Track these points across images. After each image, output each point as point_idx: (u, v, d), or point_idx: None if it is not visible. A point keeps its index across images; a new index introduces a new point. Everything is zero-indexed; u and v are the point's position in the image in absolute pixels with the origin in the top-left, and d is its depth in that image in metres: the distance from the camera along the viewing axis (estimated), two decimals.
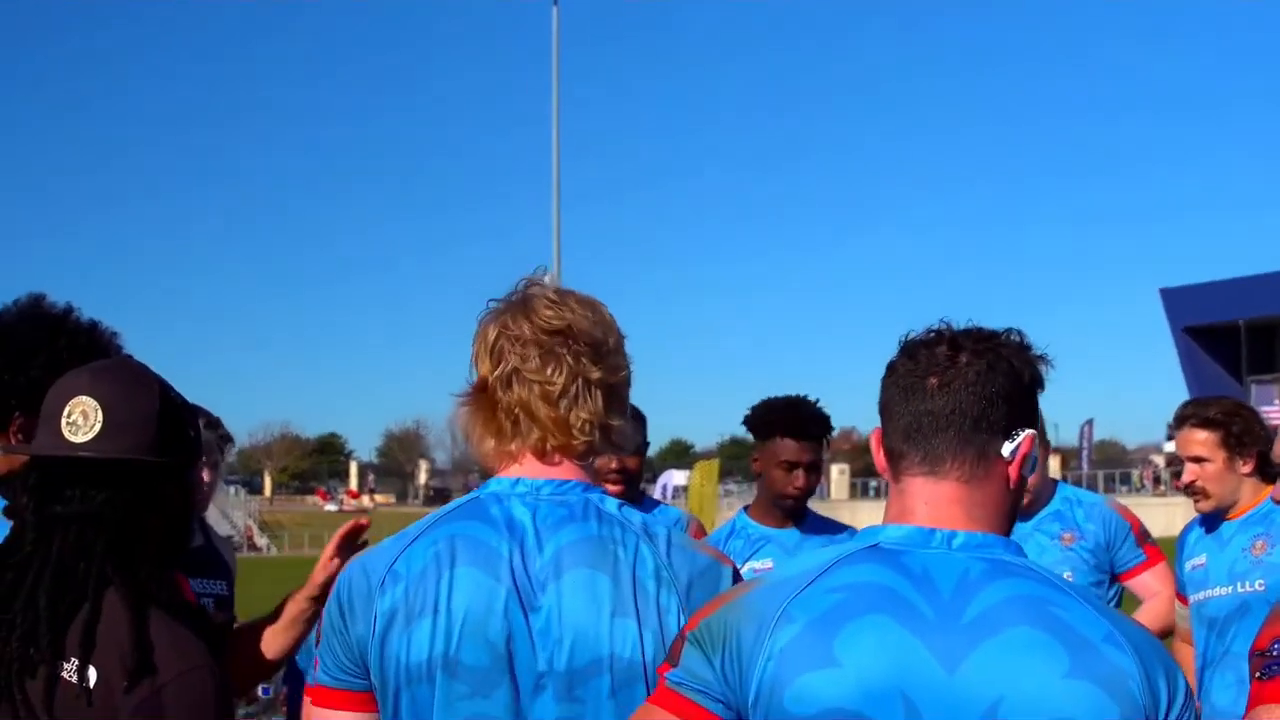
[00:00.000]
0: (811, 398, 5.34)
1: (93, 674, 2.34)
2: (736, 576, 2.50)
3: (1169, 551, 5.59)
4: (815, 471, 5.25)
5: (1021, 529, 5.38)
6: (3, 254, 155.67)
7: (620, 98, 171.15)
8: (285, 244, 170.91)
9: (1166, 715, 2.10)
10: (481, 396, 2.56)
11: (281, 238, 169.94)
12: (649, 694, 2.32)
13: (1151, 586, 5.61)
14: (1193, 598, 5.28)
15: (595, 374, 2.53)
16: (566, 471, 2.53)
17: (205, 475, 3.80)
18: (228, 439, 4.13)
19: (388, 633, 2.41)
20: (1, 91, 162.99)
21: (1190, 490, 5.20)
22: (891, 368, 2.32)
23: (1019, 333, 2.33)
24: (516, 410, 2.51)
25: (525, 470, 2.52)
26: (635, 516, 2.49)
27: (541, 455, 2.52)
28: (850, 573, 2.18)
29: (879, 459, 2.34)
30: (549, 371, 2.50)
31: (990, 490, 2.26)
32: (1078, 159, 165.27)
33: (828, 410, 5.34)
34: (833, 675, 2.08)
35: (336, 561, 3.00)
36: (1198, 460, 5.13)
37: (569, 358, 2.51)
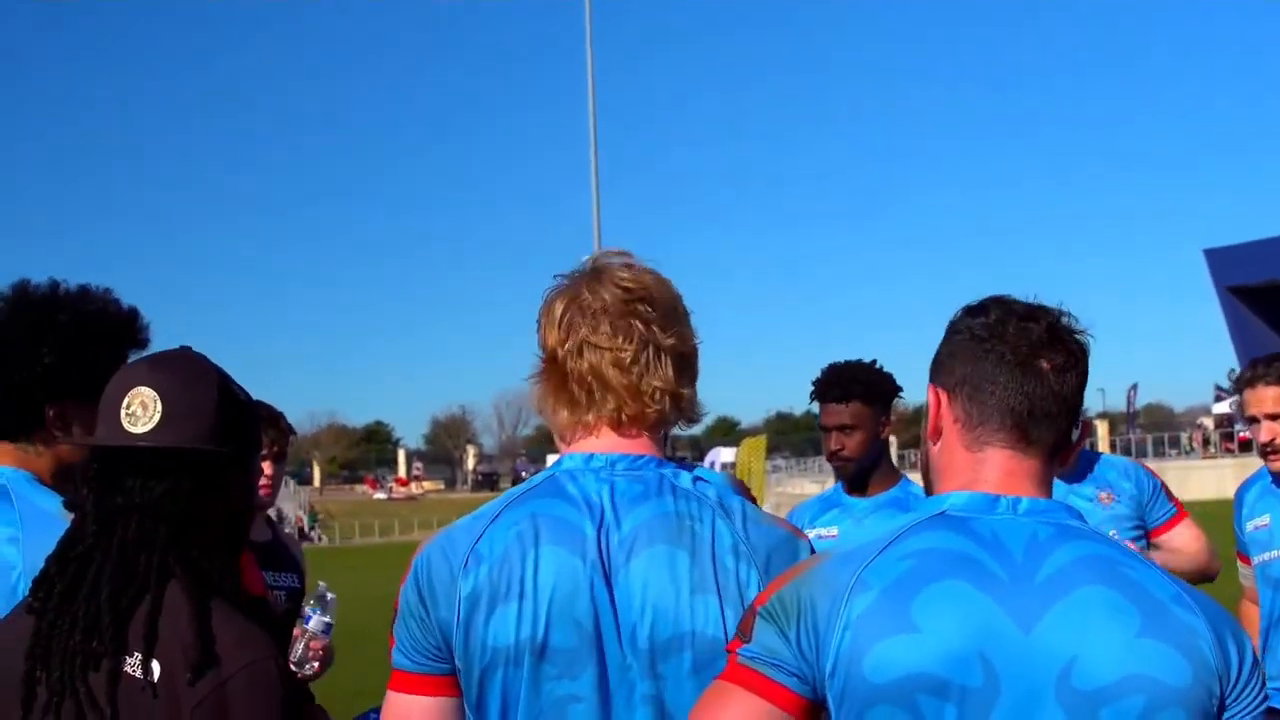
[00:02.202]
0: (866, 360, 5.34)
1: (156, 667, 2.32)
2: (812, 549, 2.48)
3: (1227, 514, 5.55)
4: (850, 432, 5.23)
5: (1057, 491, 5.31)
6: (52, 243, 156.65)
7: (657, 70, 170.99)
8: (328, 233, 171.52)
9: (1236, 679, 2.12)
10: (552, 368, 2.53)
11: (325, 226, 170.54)
12: None
13: (1186, 535, 5.58)
14: (1257, 558, 5.22)
15: (667, 341, 2.51)
16: (640, 445, 2.51)
17: (268, 469, 3.78)
18: (289, 432, 4.13)
19: (472, 616, 2.39)
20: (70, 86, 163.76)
21: (1269, 449, 5.11)
22: (977, 336, 2.30)
23: (1071, 315, 2.35)
24: (589, 379, 2.49)
25: (599, 444, 2.50)
26: (710, 490, 2.47)
27: (617, 426, 2.50)
28: (921, 539, 2.19)
29: (940, 420, 2.34)
30: (620, 339, 2.48)
31: (1054, 468, 2.32)
32: (1119, 119, 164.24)
33: (887, 373, 5.31)
34: (912, 640, 2.09)
35: None
36: (1275, 416, 5.06)
37: (640, 325, 2.49)
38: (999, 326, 2.29)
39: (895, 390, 5.34)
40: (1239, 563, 5.42)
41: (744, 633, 2.21)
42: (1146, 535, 5.55)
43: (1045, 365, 2.26)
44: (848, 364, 5.32)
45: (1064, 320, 2.32)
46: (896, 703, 2.08)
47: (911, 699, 2.07)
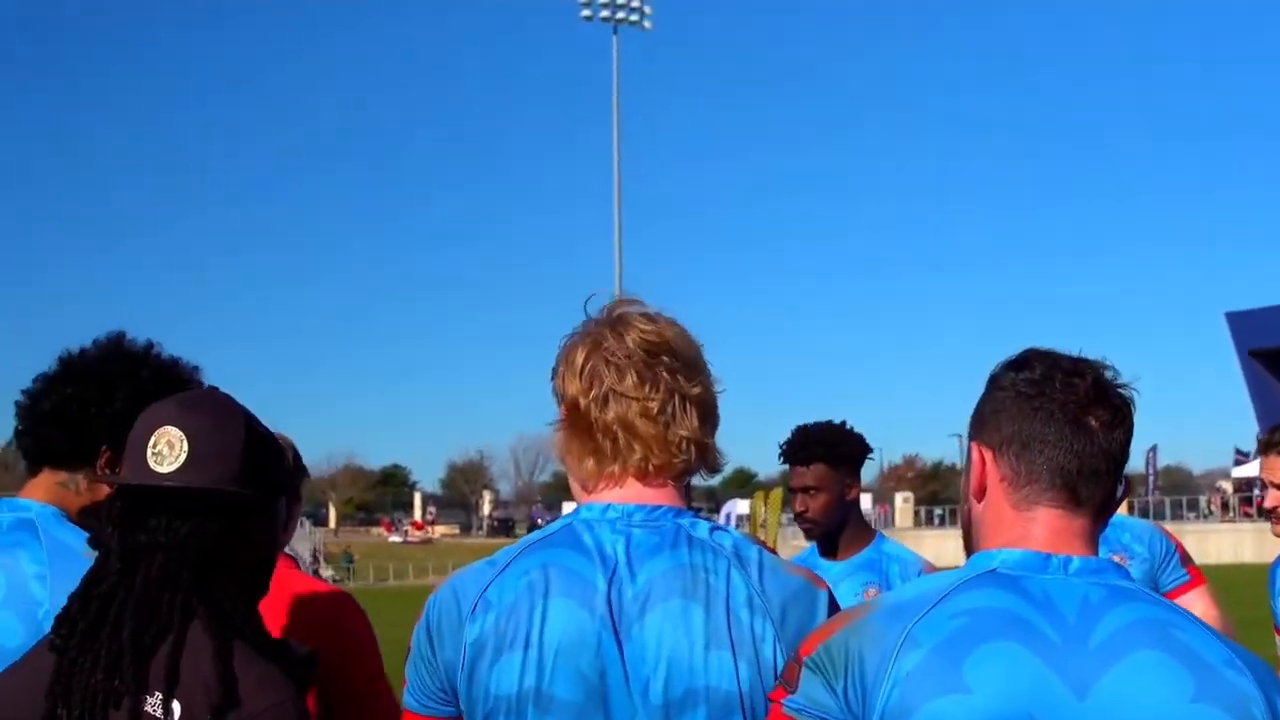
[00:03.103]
0: (838, 421, 5.34)
1: (177, 708, 2.32)
2: (831, 598, 2.46)
3: (1245, 579, 5.54)
4: (814, 494, 5.21)
5: None
6: (50, 280, 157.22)
7: (683, 123, 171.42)
8: (346, 273, 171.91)
9: None
10: (576, 416, 2.52)
11: (342, 267, 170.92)
12: None
13: (1196, 607, 5.51)
14: None
15: (693, 390, 2.51)
16: (661, 496, 2.49)
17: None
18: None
19: (477, 662, 2.39)
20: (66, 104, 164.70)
21: (1273, 515, 5.12)
22: (1022, 391, 2.28)
23: (1114, 370, 2.33)
24: (616, 429, 2.48)
25: (623, 494, 2.48)
26: (727, 540, 2.45)
27: (643, 476, 2.49)
28: (972, 598, 2.16)
29: (984, 478, 2.31)
30: (647, 389, 2.47)
31: (1102, 525, 2.29)
32: (1142, 180, 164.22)
33: (855, 433, 5.30)
34: (963, 701, 2.06)
35: None
36: None
37: (665, 375, 2.49)
38: (1045, 383, 2.26)
39: (863, 452, 5.31)
40: (1275, 635, 5.39)
41: (789, 682, 2.18)
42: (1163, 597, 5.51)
43: (1094, 423, 2.24)
44: (814, 426, 5.30)
45: (1108, 375, 2.30)
46: None
47: None
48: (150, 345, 3.30)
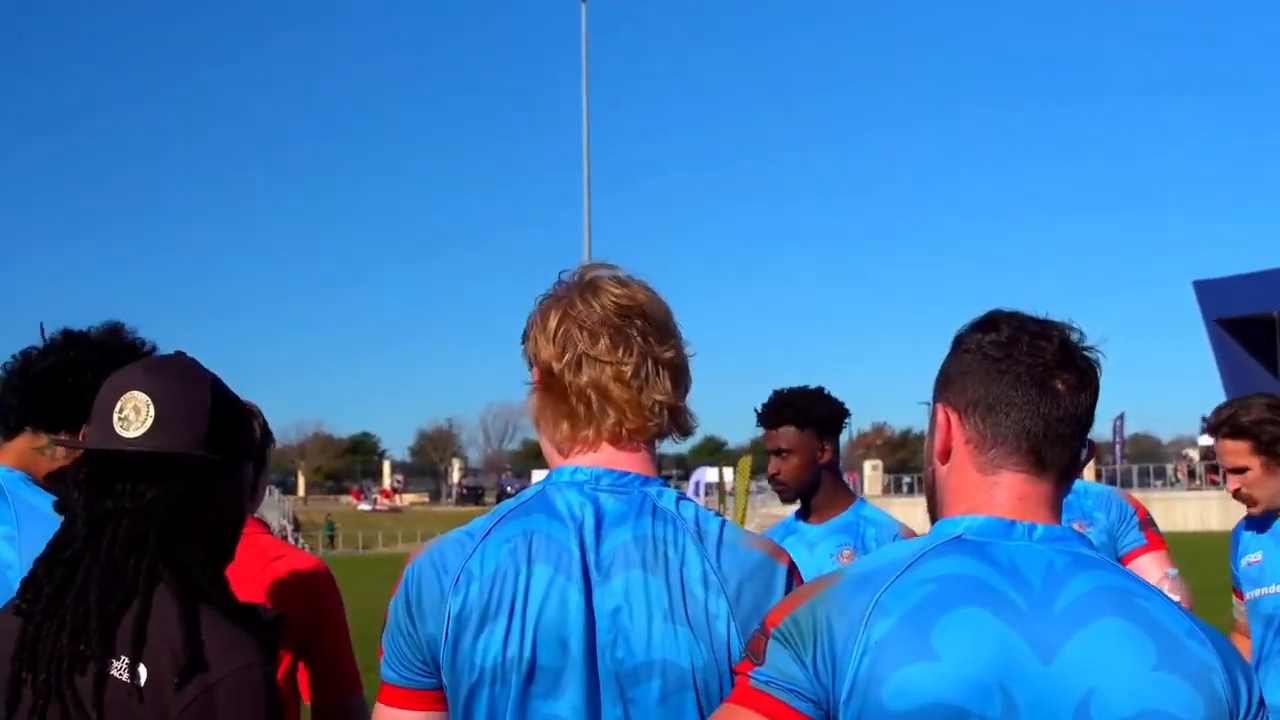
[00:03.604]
0: (814, 387, 5.40)
1: (143, 671, 2.32)
2: (793, 570, 2.45)
3: (1212, 547, 5.57)
4: (785, 457, 5.28)
5: None
6: (36, 252, 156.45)
7: (651, 91, 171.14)
8: (314, 242, 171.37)
9: (1245, 715, 2.10)
10: (550, 381, 2.51)
11: (310, 236, 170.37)
12: (699, 702, 2.31)
13: (1149, 571, 5.50)
14: (1249, 594, 5.26)
15: (665, 354, 2.50)
16: (633, 461, 2.48)
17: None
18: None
19: (461, 634, 2.37)
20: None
21: (1238, 497, 5.18)
22: (988, 353, 2.27)
23: (1080, 333, 2.32)
24: (590, 393, 2.47)
25: (596, 459, 2.48)
26: (689, 511, 2.44)
27: (617, 440, 2.48)
28: (939, 564, 2.16)
29: (949, 440, 2.30)
30: (620, 352, 2.46)
31: (1066, 491, 2.29)
32: (1110, 147, 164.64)
33: (829, 398, 5.36)
34: (932, 669, 2.05)
35: None
36: (1238, 470, 5.11)
37: (638, 338, 2.48)
38: (1012, 345, 2.25)
39: (837, 415, 5.36)
40: (1234, 598, 5.44)
41: (756, 654, 2.15)
42: (1120, 560, 5.55)
43: (1060, 386, 2.23)
44: (789, 390, 5.37)
45: (1074, 337, 2.29)
46: None
47: None
48: (143, 343, 3.32)
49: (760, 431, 5.36)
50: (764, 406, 5.34)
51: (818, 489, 5.35)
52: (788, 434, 5.24)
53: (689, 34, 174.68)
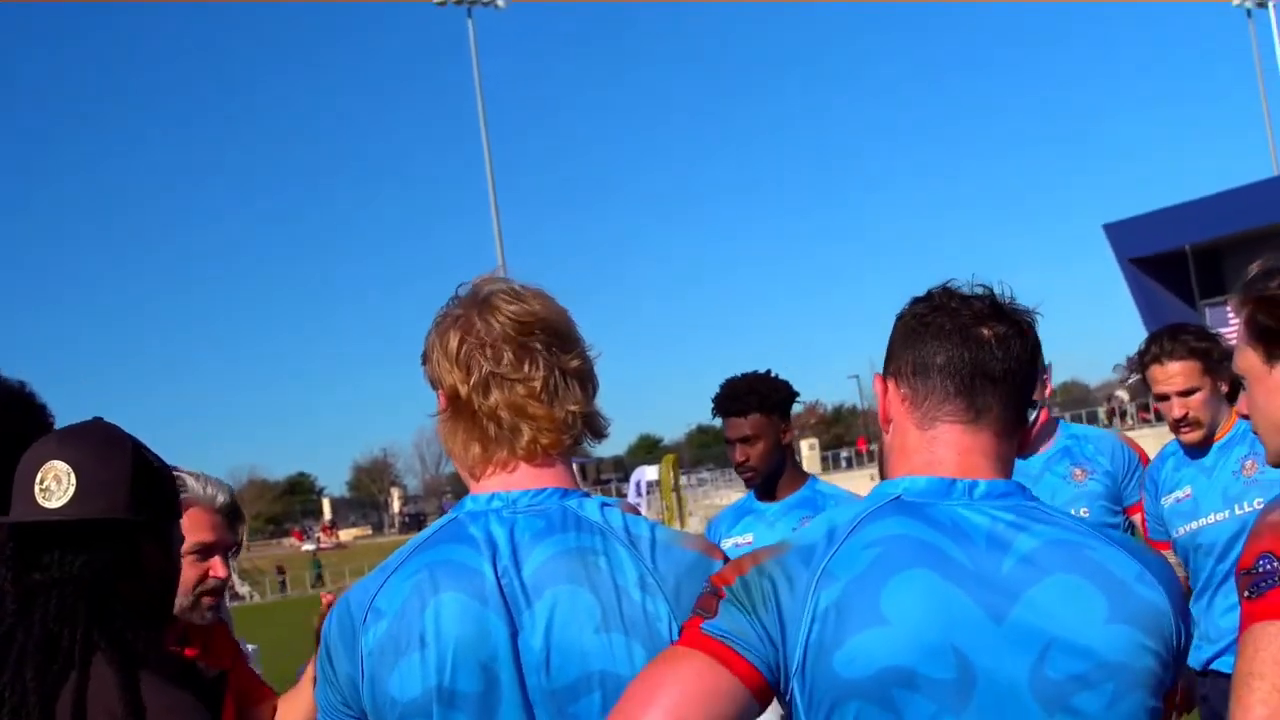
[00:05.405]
0: (764, 371, 5.49)
1: None
2: None
3: None
4: (753, 443, 5.37)
5: (1030, 468, 5.43)
6: None
7: (550, 99, 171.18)
8: (220, 288, 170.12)
9: (1183, 645, 2.17)
10: (458, 405, 2.47)
11: (214, 280, 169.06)
12: None
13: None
14: (1183, 528, 5.29)
15: (572, 363, 2.47)
16: (548, 477, 2.44)
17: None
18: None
19: (377, 670, 2.34)
20: None
21: (1182, 424, 5.20)
22: (919, 315, 2.31)
23: (1014, 297, 2.36)
24: (501, 413, 2.43)
25: (509, 480, 2.44)
26: (616, 519, 2.41)
27: (532, 458, 2.44)
28: (881, 526, 2.18)
29: (889, 406, 2.34)
30: (526, 368, 2.42)
31: (1014, 448, 2.32)
32: (1010, 98, 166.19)
33: (782, 380, 5.46)
34: (883, 633, 2.08)
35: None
36: (1186, 393, 5.14)
37: (542, 351, 2.44)
38: (940, 306, 2.30)
39: (792, 396, 5.49)
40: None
41: (707, 610, 2.15)
42: (1124, 511, 5.60)
43: (986, 332, 2.26)
44: (744, 377, 5.46)
45: (1005, 296, 2.33)
46: (869, 697, 2.07)
47: (886, 693, 2.07)
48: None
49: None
50: (724, 395, 5.43)
51: (782, 471, 5.46)
52: (755, 420, 5.34)
53: (581, 34, 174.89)
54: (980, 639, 2.08)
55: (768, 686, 2.11)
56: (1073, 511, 5.20)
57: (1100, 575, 2.13)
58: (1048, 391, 5.37)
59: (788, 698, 2.13)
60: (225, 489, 3.64)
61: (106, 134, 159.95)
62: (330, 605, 2.74)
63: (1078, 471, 5.53)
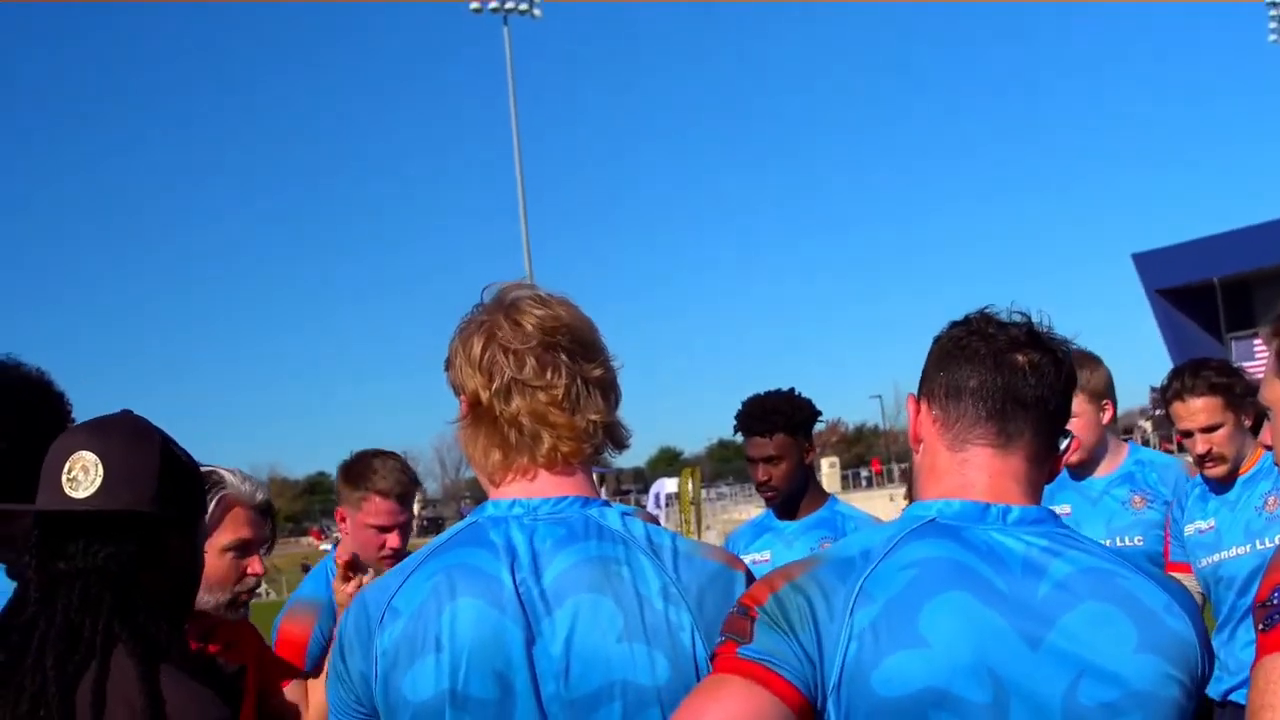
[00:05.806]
0: (787, 389, 5.47)
1: None
2: (750, 578, 2.42)
3: None
4: (776, 463, 5.36)
5: (1091, 490, 5.40)
6: None
7: (584, 107, 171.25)
8: (250, 285, 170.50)
9: (1206, 676, 2.21)
10: (480, 411, 2.47)
11: (247, 279, 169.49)
12: (664, 718, 2.26)
13: None
14: (1205, 560, 5.26)
15: (595, 372, 2.47)
16: (568, 486, 2.44)
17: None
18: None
19: (391, 670, 2.34)
20: None
21: (1206, 459, 5.18)
22: (956, 338, 2.34)
23: (1053, 327, 2.39)
24: (522, 420, 2.43)
25: (530, 488, 2.43)
26: (638, 528, 2.40)
27: (553, 465, 2.43)
28: (918, 548, 2.20)
29: (921, 427, 2.36)
30: (549, 375, 2.43)
31: (1044, 475, 2.33)
32: (1043, 129, 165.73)
33: (806, 399, 5.45)
34: (921, 655, 2.09)
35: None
36: (1209, 429, 5.12)
37: (566, 359, 2.44)
38: (977, 331, 2.33)
39: (815, 416, 5.46)
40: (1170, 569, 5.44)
41: (741, 634, 2.14)
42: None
43: (1021, 359, 2.29)
44: (768, 395, 5.44)
45: (1043, 326, 2.36)
46: (907, 717, 2.09)
47: (922, 714, 2.09)
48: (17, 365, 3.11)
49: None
50: (748, 414, 5.40)
51: (804, 490, 5.45)
52: (780, 440, 5.33)
53: (616, 45, 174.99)
54: (1016, 663, 2.10)
55: (808, 705, 2.11)
56: (1126, 538, 5.25)
57: (1130, 604, 2.16)
58: (1107, 418, 5.38)
59: (824, 717, 2.13)
60: (262, 486, 3.67)
61: (111, 133, 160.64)
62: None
63: (1137, 498, 5.49)
